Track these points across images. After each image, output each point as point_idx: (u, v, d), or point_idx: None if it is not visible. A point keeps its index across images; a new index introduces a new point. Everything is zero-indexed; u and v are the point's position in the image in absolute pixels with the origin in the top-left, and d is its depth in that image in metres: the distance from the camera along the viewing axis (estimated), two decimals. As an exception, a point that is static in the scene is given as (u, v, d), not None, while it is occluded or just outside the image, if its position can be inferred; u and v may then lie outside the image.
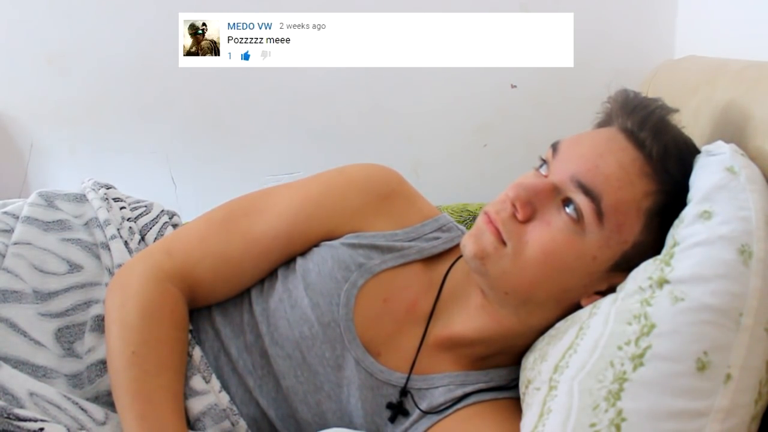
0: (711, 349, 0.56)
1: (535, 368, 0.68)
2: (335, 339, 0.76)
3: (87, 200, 0.90)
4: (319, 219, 0.81)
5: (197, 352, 0.77)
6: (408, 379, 0.76)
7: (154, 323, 0.74)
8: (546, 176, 0.72)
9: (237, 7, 1.22)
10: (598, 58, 1.34)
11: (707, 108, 0.91)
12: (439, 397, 0.76)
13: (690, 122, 0.96)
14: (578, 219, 0.67)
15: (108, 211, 0.87)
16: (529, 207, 0.69)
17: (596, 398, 0.58)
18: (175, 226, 0.94)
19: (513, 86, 1.38)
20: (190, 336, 0.78)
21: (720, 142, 0.72)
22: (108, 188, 0.94)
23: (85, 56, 1.37)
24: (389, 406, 0.75)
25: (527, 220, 0.69)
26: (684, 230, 0.64)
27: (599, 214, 0.67)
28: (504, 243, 0.69)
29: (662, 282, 0.61)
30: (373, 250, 0.79)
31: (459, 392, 0.76)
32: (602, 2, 1.33)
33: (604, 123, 0.76)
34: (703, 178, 0.68)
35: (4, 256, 0.78)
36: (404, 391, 0.75)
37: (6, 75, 1.38)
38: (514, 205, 0.70)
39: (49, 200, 0.88)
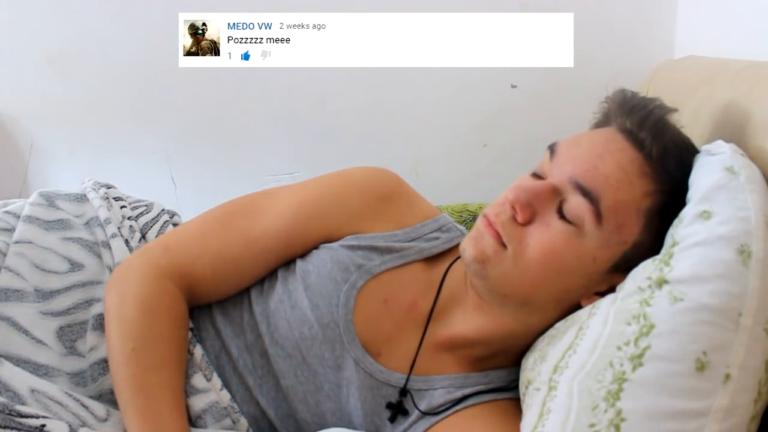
0: (710, 349, 0.56)
1: (535, 369, 0.68)
2: (335, 340, 0.76)
3: (87, 200, 0.90)
4: (318, 220, 0.82)
5: (198, 351, 0.77)
6: (408, 379, 0.76)
7: (153, 319, 0.74)
8: (544, 178, 0.71)
9: (237, 7, 1.22)
10: (598, 58, 1.34)
11: (707, 108, 0.91)
12: (438, 398, 0.76)
13: (690, 122, 0.96)
14: (576, 223, 0.67)
15: (108, 210, 0.88)
16: (529, 209, 0.69)
17: (595, 398, 0.57)
18: (175, 225, 0.94)
19: (513, 86, 1.38)
20: (191, 334, 0.78)
21: (720, 142, 0.72)
22: (108, 188, 0.94)
23: (85, 56, 1.37)
24: (389, 405, 0.75)
25: (527, 223, 0.69)
26: (683, 230, 0.64)
27: (598, 215, 0.66)
28: (504, 246, 0.69)
29: (661, 282, 0.61)
30: (372, 251, 0.80)
31: (458, 394, 0.75)
32: (602, 2, 1.33)
33: (602, 123, 0.76)
34: (702, 177, 0.67)
35: (5, 255, 0.78)
36: (404, 391, 0.75)
37: (6, 75, 1.38)
38: (513, 208, 0.69)
39: (50, 200, 0.88)
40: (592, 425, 0.56)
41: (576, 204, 0.67)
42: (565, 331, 0.68)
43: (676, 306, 0.58)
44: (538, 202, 0.69)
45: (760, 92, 0.80)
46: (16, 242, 0.80)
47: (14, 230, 0.82)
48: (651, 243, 0.68)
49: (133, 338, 0.72)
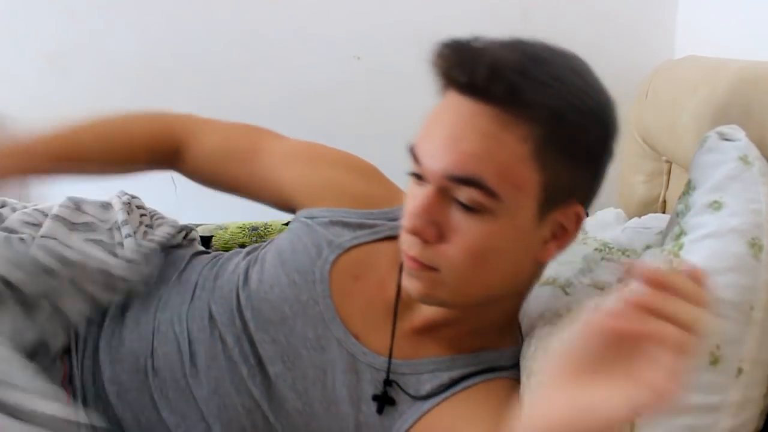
0: (723, 343, 0.56)
1: (538, 359, 0.68)
2: (316, 318, 0.75)
3: (112, 208, 0.92)
4: (297, 168, 0.86)
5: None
6: (389, 365, 0.74)
7: (130, 124, 0.88)
8: (426, 178, 0.65)
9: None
10: (598, 58, 1.34)
11: (707, 108, 0.91)
12: (425, 383, 0.73)
13: (690, 122, 0.96)
14: (483, 210, 0.62)
15: (128, 214, 0.90)
16: (432, 227, 0.64)
17: None
18: (191, 240, 0.97)
19: (513, 86, 1.38)
20: (184, 328, 0.78)
21: (736, 127, 0.71)
22: (133, 197, 0.96)
23: (85, 56, 1.37)
24: (375, 398, 0.74)
25: (440, 237, 0.64)
26: (692, 219, 0.63)
27: (492, 194, 0.61)
28: (435, 269, 0.65)
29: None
30: (344, 227, 0.79)
31: (446, 377, 0.73)
32: (602, 2, 1.33)
33: (443, 87, 0.66)
34: (712, 163, 0.66)
35: (29, 246, 0.79)
36: (388, 381, 0.74)
37: (6, 75, 1.38)
38: (419, 237, 0.64)
39: (77, 204, 0.90)
40: (606, 420, 0.56)
41: (467, 194, 0.62)
42: (571, 323, 0.67)
43: None
44: (434, 215, 0.64)
45: (760, 92, 0.80)
46: (42, 236, 0.82)
47: (41, 226, 0.84)
48: (560, 170, 0.63)
49: (100, 118, 0.85)
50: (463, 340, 0.75)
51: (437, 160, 0.63)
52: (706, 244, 0.60)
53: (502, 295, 0.71)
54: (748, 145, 0.67)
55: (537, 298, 0.80)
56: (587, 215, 0.68)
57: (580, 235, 0.89)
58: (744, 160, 0.65)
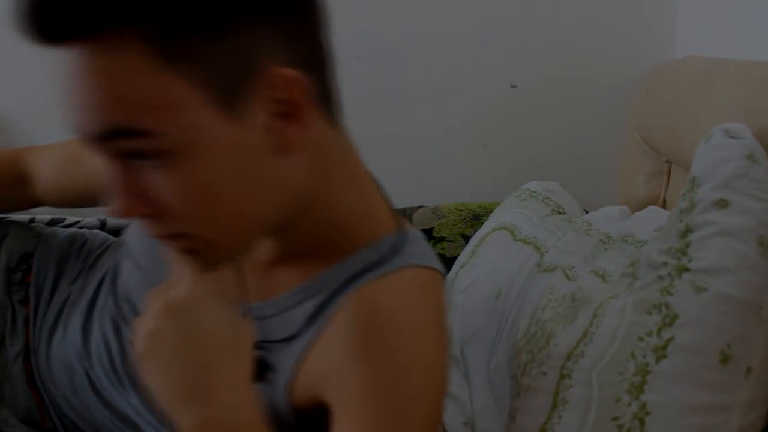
0: (734, 342, 0.56)
1: (538, 345, 0.67)
2: None
3: None
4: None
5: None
6: (249, 312, 0.61)
7: None
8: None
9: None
10: (598, 58, 1.34)
11: (707, 108, 0.91)
12: (295, 319, 0.62)
13: (690, 122, 0.96)
14: (159, 155, 0.49)
15: None
16: (139, 200, 0.52)
17: (618, 391, 0.57)
18: None
19: (513, 86, 1.37)
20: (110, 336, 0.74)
21: (742, 125, 0.70)
22: None
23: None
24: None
25: (159, 208, 0.52)
26: (699, 217, 0.63)
27: (145, 133, 0.48)
28: (186, 235, 0.54)
29: (681, 270, 0.60)
30: None
31: (311, 306, 0.61)
32: (602, 2, 1.33)
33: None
34: (718, 160, 0.66)
35: None
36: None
37: (6, 75, 1.38)
38: (137, 217, 0.53)
39: None
40: (615, 419, 0.56)
41: (126, 147, 0.50)
42: (576, 314, 0.67)
43: (701, 296, 0.58)
44: (129, 188, 0.51)
45: (760, 92, 0.80)
46: None
47: None
48: (207, 55, 0.48)
49: None
50: (321, 254, 0.62)
51: (75, 126, 0.51)
52: (715, 242, 0.60)
53: (299, 204, 0.58)
54: (755, 143, 0.67)
55: (538, 285, 0.81)
56: (307, 67, 0.52)
57: (583, 227, 0.92)
58: (751, 158, 0.65)
